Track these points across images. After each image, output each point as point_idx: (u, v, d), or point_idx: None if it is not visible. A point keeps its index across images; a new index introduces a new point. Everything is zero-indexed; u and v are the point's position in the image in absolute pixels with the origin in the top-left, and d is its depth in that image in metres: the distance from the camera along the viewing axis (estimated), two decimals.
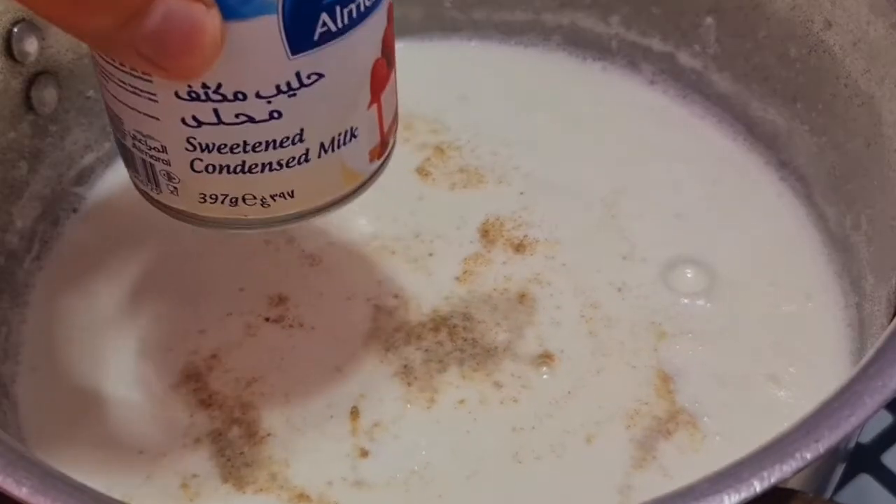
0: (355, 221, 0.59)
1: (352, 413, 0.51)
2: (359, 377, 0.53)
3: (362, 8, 0.39)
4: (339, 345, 0.54)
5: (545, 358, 0.53)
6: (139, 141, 0.41)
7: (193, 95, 0.38)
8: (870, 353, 0.40)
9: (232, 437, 0.51)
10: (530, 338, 0.54)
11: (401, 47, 0.66)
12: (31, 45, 0.55)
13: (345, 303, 0.55)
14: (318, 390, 0.52)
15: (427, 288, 0.56)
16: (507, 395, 0.52)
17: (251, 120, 0.39)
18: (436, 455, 0.50)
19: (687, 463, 0.49)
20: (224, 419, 0.51)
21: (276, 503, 0.48)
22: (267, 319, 0.55)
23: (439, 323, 0.54)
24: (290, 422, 0.51)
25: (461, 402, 0.51)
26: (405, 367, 0.53)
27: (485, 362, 0.53)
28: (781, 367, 0.52)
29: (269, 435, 0.51)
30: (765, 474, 0.35)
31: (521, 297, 0.55)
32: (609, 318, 0.54)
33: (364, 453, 0.50)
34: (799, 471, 0.36)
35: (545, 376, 0.52)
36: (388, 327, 0.54)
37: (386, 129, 0.44)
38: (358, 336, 0.54)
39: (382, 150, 0.44)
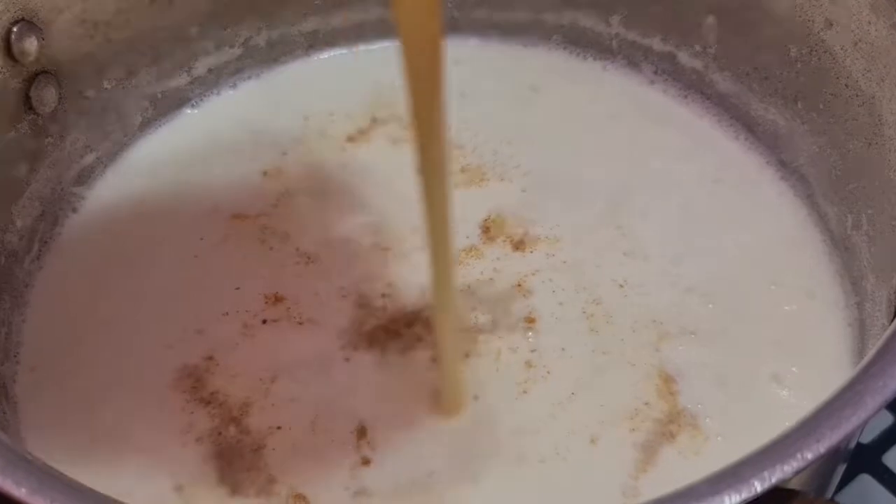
0: (355, 221, 0.59)
1: (358, 431, 0.51)
2: (358, 380, 0.53)
3: None
4: (337, 345, 0.54)
5: (529, 322, 0.54)
6: None
7: None
8: (871, 353, 0.40)
9: (230, 439, 0.51)
10: (514, 311, 0.54)
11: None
12: (31, 45, 0.55)
13: (339, 301, 0.56)
14: (318, 394, 0.52)
15: (414, 284, 0.56)
16: (510, 379, 0.52)
17: None
18: (439, 461, 0.50)
19: (689, 464, 0.49)
20: (223, 419, 0.51)
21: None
22: (264, 322, 0.55)
23: (415, 318, 0.54)
24: (290, 427, 0.51)
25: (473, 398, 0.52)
26: (402, 367, 0.53)
27: (472, 345, 0.53)
28: (783, 366, 0.53)
29: (267, 439, 0.51)
30: (766, 474, 0.35)
31: (514, 288, 0.56)
32: (610, 314, 0.55)
33: (366, 461, 0.50)
34: (800, 471, 0.36)
35: (540, 359, 0.53)
36: (379, 327, 0.54)
37: None
38: (352, 336, 0.54)
39: None
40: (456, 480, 0.49)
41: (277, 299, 0.56)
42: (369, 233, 0.58)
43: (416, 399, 0.52)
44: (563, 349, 0.53)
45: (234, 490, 0.49)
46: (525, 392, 0.52)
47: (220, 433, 0.51)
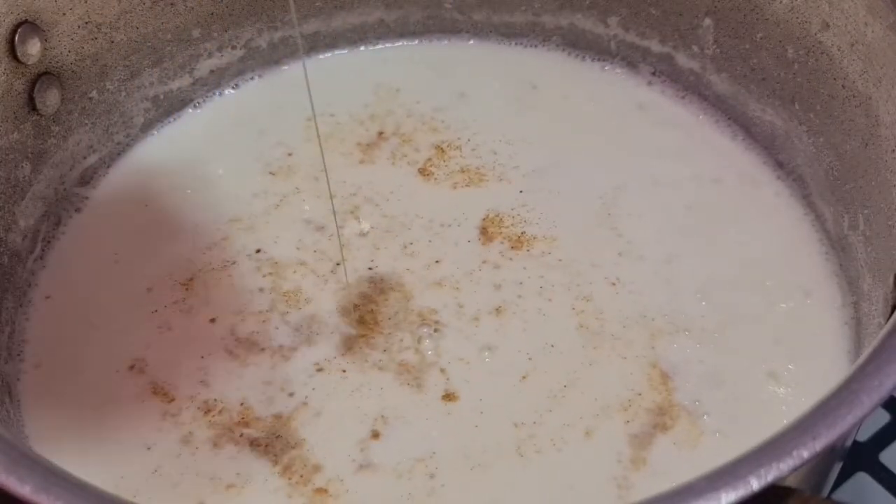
0: (354, 219, 0.59)
1: (373, 433, 0.51)
2: (366, 372, 0.53)
3: None
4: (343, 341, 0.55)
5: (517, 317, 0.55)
6: None
7: None
8: (867, 352, 0.40)
9: (241, 415, 0.52)
10: (503, 308, 0.55)
11: (400, 46, 0.68)
12: (34, 47, 0.55)
13: (338, 298, 0.56)
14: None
15: (411, 283, 0.56)
16: (502, 372, 0.53)
17: None
18: (443, 446, 0.50)
19: (685, 459, 0.50)
20: (228, 413, 0.52)
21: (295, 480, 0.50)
22: (265, 321, 0.55)
23: (420, 316, 0.55)
24: (308, 403, 0.52)
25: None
26: (404, 363, 0.53)
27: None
28: (780, 364, 0.53)
29: (282, 414, 0.52)
30: (762, 472, 0.36)
31: (505, 285, 0.56)
32: (601, 311, 0.55)
33: (376, 435, 0.51)
34: (796, 469, 0.36)
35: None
36: (378, 325, 0.55)
37: None
38: (354, 333, 0.55)
39: None
40: (457, 467, 0.50)
41: (287, 294, 0.56)
42: (370, 232, 0.59)
43: (423, 391, 0.53)
44: (552, 345, 0.54)
45: (251, 462, 0.50)
46: (519, 385, 0.52)
47: (228, 428, 0.51)
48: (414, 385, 0.53)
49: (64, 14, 0.57)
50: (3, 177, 0.55)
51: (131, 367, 0.54)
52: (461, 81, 0.66)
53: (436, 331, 0.54)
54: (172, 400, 0.52)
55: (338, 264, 0.57)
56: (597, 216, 0.59)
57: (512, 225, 0.59)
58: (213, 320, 0.55)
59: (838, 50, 0.55)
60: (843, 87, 0.55)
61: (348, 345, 0.54)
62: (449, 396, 0.52)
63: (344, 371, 0.53)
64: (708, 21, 0.62)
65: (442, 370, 0.53)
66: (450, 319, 0.55)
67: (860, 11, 0.53)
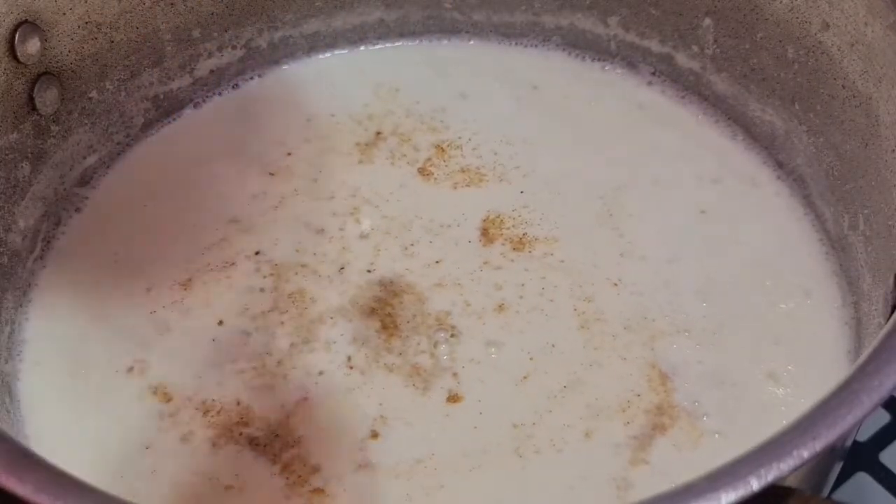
0: (354, 220, 0.59)
1: (372, 433, 0.51)
2: (370, 373, 0.53)
3: None
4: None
5: (517, 319, 0.55)
6: None
7: None
8: (867, 352, 0.40)
9: (240, 415, 0.52)
10: (505, 308, 0.55)
11: (400, 46, 0.68)
12: (34, 47, 0.55)
13: (346, 300, 0.56)
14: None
15: (419, 284, 0.56)
16: (504, 373, 0.53)
17: None
18: (442, 446, 0.50)
19: (685, 459, 0.50)
20: (228, 408, 0.52)
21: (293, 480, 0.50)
22: (264, 320, 0.55)
23: (438, 320, 0.55)
24: (308, 402, 0.52)
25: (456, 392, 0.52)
26: (416, 366, 0.53)
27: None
28: (780, 365, 0.53)
29: (281, 413, 0.52)
30: (762, 472, 0.36)
31: (506, 286, 0.56)
32: (602, 312, 0.55)
33: (375, 435, 0.51)
34: (796, 469, 0.36)
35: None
36: (398, 329, 0.55)
37: None
38: (362, 331, 0.55)
39: None
40: (456, 468, 0.50)
41: (293, 295, 0.56)
42: (369, 232, 0.59)
43: (426, 390, 0.53)
44: (553, 346, 0.54)
45: (247, 459, 0.50)
46: (519, 386, 0.52)
47: (228, 428, 0.51)
48: (420, 387, 0.53)
49: (64, 14, 0.57)
50: (3, 177, 0.55)
51: (131, 368, 0.54)
52: (461, 81, 0.66)
53: (452, 336, 0.54)
54: (171, 400, 0.52)
55: (342, 267, 0.57)
56: (598, 217, 0.59)
57: (513, 226, 0.59)
58: (219, 322, 0.55)
59: (838, 50, 0.55)
60: (843, 87, 0.55)
61: (355, 346, 0.54)
62: (454, 398, 0.52)
63: (351, 368, 0.53)
64: (708, 21, 0.62)
65: (455, 374, 0.53)
66: (462, 322, 0.55)
67: (860, 11, 0.53)
